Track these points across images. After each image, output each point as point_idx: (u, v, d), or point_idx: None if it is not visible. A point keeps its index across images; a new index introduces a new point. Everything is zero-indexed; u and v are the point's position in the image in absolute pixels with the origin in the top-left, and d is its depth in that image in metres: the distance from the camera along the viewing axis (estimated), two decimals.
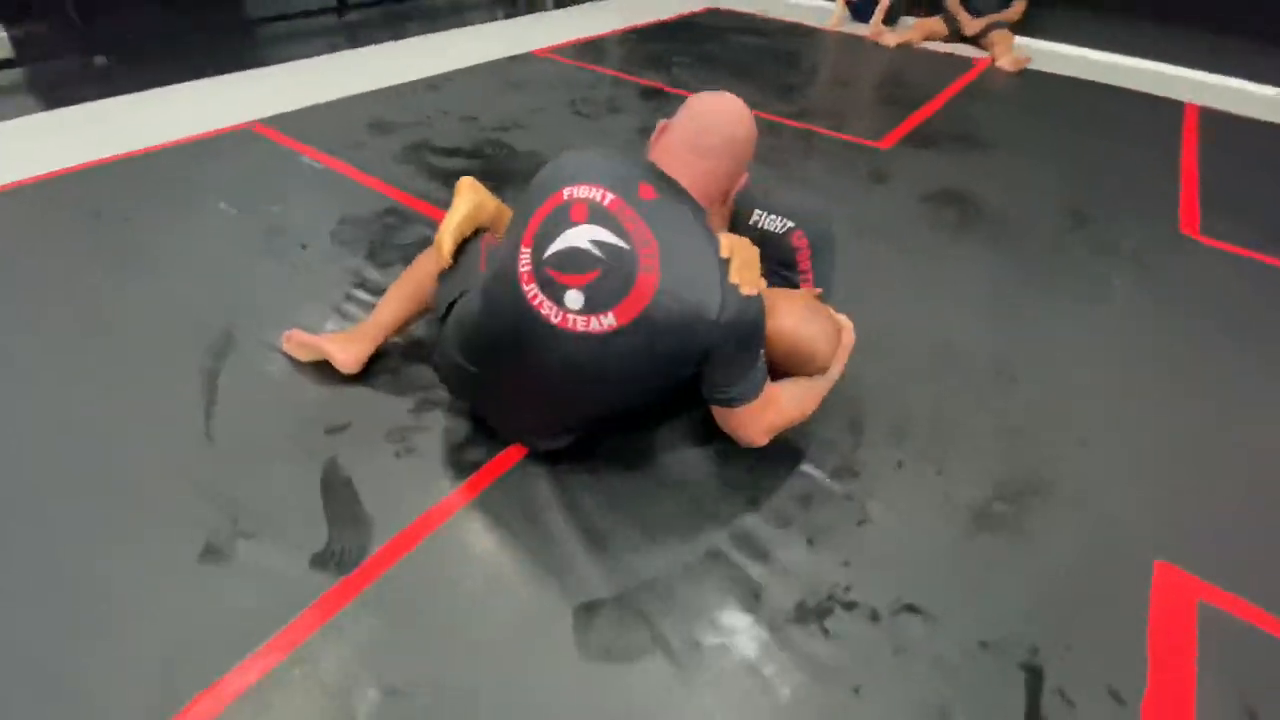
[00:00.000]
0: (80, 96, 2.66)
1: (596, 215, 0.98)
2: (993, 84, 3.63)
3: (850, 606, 1.08)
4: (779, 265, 1.32)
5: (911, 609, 1.08)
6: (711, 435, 1.26)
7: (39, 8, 3.33)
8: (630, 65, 3.50)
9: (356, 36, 3.83)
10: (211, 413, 1.34)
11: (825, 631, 1.04)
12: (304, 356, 1.44)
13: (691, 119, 1.06)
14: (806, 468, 1.32)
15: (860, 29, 4.30)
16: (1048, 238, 2.20)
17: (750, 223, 1.31)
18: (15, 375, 1.40)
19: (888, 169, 2.59)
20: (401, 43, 3.65)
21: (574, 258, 0.98)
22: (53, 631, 0.98)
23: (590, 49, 3.72)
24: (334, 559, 1.09)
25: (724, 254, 1.00)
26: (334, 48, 3.50)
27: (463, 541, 1.15)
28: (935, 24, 4.18)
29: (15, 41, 3.17)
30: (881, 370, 1.52)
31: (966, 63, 3.89)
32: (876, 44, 4.12)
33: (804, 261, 1.33)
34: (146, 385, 1.40)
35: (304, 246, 1.85)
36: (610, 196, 0.98)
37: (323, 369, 1.41)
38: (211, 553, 1.09)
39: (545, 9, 4.71)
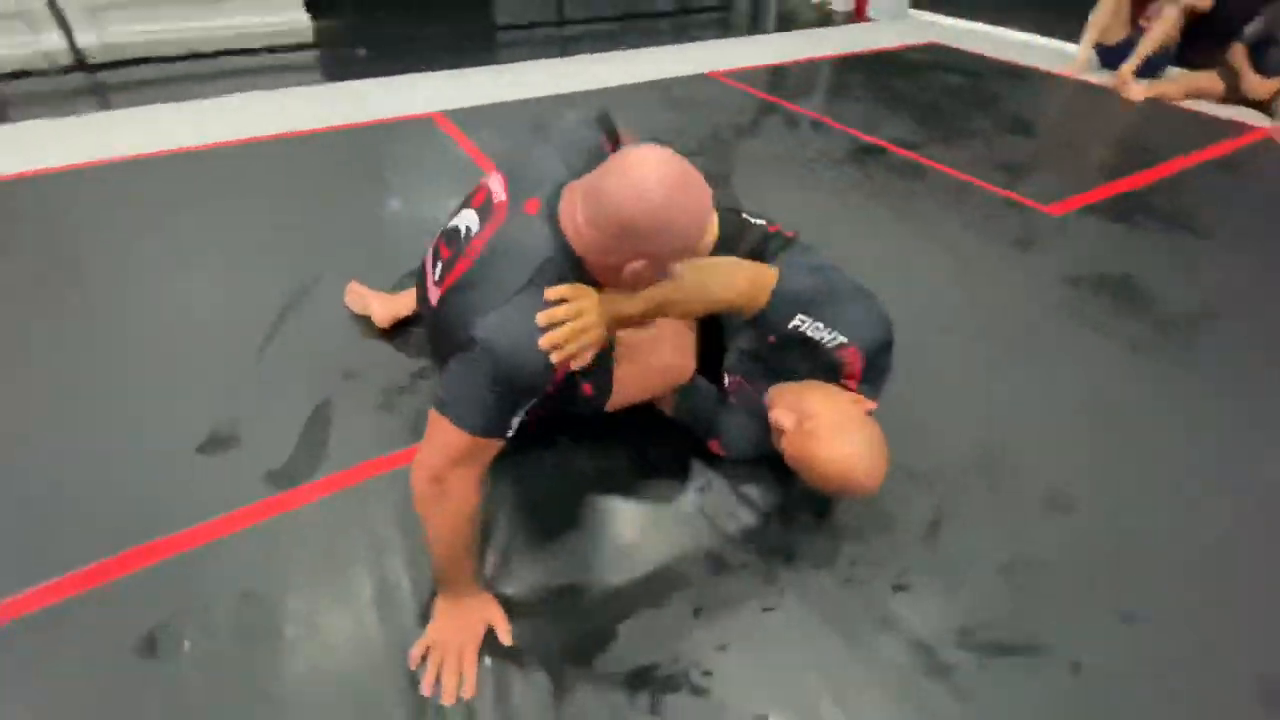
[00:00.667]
0: (345, 76, 3.38)
1: (484, 207, 1.02)
2: (1262, 162, 2.88)
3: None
4: (818, 369, 1.13)
5: None
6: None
7: (331, 6, 4.22)
8: (797, 94, 3.41)
9: (567, 47, 4.23)
10: (272, 334, 1.62)
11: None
12: (355, 308, 1.67)
13: (599, 174, 0.89)
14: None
15: (1106, 78, 3.69)
16: (1244, 366, 1.71)
17: (790, 327, 1.09)
18: (197, 259, 1.83)
19: (1042, 237, 2.21)
20: (596, 56, 3.96)
21: (451, 235, 1.05)
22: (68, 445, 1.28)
23: (768, 74, 3.68)
24: (278, 479, 1.27)
25: (545, 319, 0.87)
26: (544, 55, 3.91)
27: (388, 496, 1.25)
28: (1208, 79, 3.43)
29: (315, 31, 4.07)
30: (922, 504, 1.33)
31: (1233, 129, 3.13)
32: (1119, 95, 3.50)
33: (852, 380, 1.13)
34: (248, 293, 1.75)
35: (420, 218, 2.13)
36: (503, 197, 0.99)
37: (365, 323, 1.63)
38: (212, 440, 1.33)
39: (766, 32, 4.76)
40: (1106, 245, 2.18)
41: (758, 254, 1.30)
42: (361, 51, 3.90)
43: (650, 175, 0.85)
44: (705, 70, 3.65)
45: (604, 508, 1.26)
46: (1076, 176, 2.64)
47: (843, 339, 1.09)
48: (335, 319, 1.68)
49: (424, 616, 1.04)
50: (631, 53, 4.01)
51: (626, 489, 1.29)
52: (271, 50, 3.76)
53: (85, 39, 3.31)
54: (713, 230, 1.29)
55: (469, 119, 2.87)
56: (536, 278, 0.89)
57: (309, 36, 4.15)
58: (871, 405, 1.12)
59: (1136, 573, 1.18)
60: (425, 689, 0.96)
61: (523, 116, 2.92)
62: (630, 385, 1.23)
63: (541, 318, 0.87)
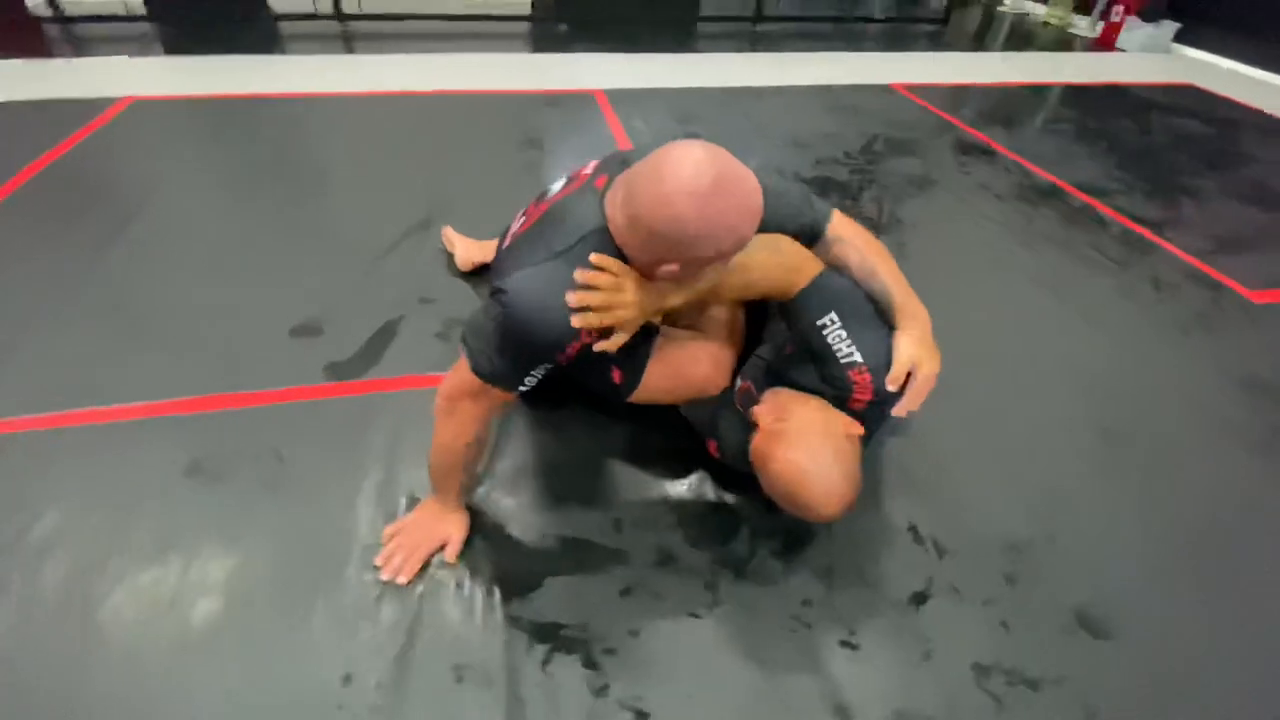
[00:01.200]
0: (544, 48, 3.74)
1: (572, 177, 1.05)
2: None
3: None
4: (825, 387, 1.06)
5: None
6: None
7: None
8: (982, 118, 3.08)
9: (757, 42, 4.20)
10: (383, 255, 1.85)
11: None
12: (449, 247, 1.85)
13: (636, 170, 0.85)
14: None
15: None
16: None
17: (817, 323, 1.04)
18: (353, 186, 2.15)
19: (1226, 324, 1.81)
20: (779, 55, 3.89)
21: (540, 196, 1.10)
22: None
23: (957, 94, 3.37)
24: (335, 370, 1.47)
25: (582, 278, 0.87)
26: (732, 49, 3.93)
27: (415, 409, 1.39)
28: None
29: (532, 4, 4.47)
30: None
31: None
32: None
33: (856, 404, 1.05)
34: (384, 217, 2.00)
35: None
36: (589, 171, 1.02)
37: (453, 261, 1.81)
38: (302, 327, 1.57)
39: (989, 49, 4.37)
40: None
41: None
42: (562, 27, 4.21)
43: (684, 185, 0.79)
44: (889, 81, 3.44)
45: (586, 474, 1.28)
46: None
47: (858, 358, 1.02)
48: (434, 253, 1.88)
49: (410, 507, 1.17)
50: (818, 55, 3.88)
51: (615, 465, 1.30)
52: (489, 18, 4.18)
53: None
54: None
55: (626, 100, 2.99)
56: (579, 246, 0.88)
57: (525, 9, 4.56)
58: (859, 430, 1.03)
59: None
60: (379, 560, 1.08)
61: (676, 105, 2.98)
62: (659, 385, 1.22)
63: (579, 275, 0.86)
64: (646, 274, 0.91)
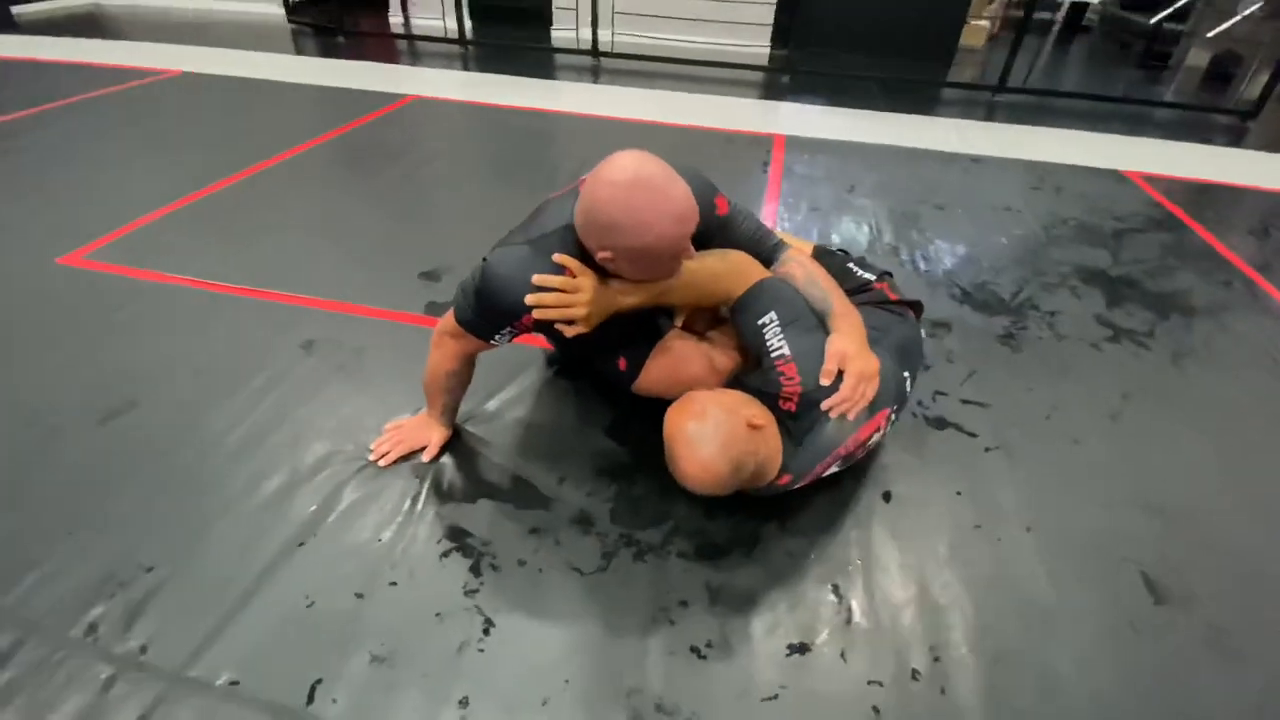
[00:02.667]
0: (765, 95, 3.99)
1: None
2: None
3: None
4: (764, 382, 1.11)
5: None
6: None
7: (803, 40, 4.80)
8: (1225, 226, 2.53)
9: (994, 112, 3.92)
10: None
11: None
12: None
13: (593, 178, 0.98)
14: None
15: None
16: None
17: (758, 322, 1.10)
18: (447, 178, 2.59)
19: None
20: (1006, 125, 3.60)
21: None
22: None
23: (1214, 193, 2.81)
24: (431, 307, 1.80)
25: (538, 281, 1.01)
26: (967, 116, 3.75)
27: (413, 342, 1.65)
28: None
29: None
30: None
31: None
32: None
33: (786, 402, 1.08)
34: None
35: None
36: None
37: None
38: (429, 272, 1.96)
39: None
40: None
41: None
42: (785, 79, 4.39)
43: (608, 177, 0.95)
44: (1124, 168, 3.00)
45: (561, 435, 1.40)
46: None
47: (786, 352, 1.08)
48: None
49: (412, 412, 1.42)
50: (1053, 130, 3.52)
51: (588, 435, 1.40)
52: (727, 65, 4.53)
53: (603, 35, 4.60)
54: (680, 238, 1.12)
55: (802, 146, 3.06)
56: (551, 237, 1.06)
57: (764, 61, 4.84)
58: (763, 423, 1.05)
59: None
60: (373, 444, 1.35)
61: (846, 156, 2.97)
62: (656, 378, 1.33)
63: (537, 279, 1.01)
64: (600, 265, 1.05)
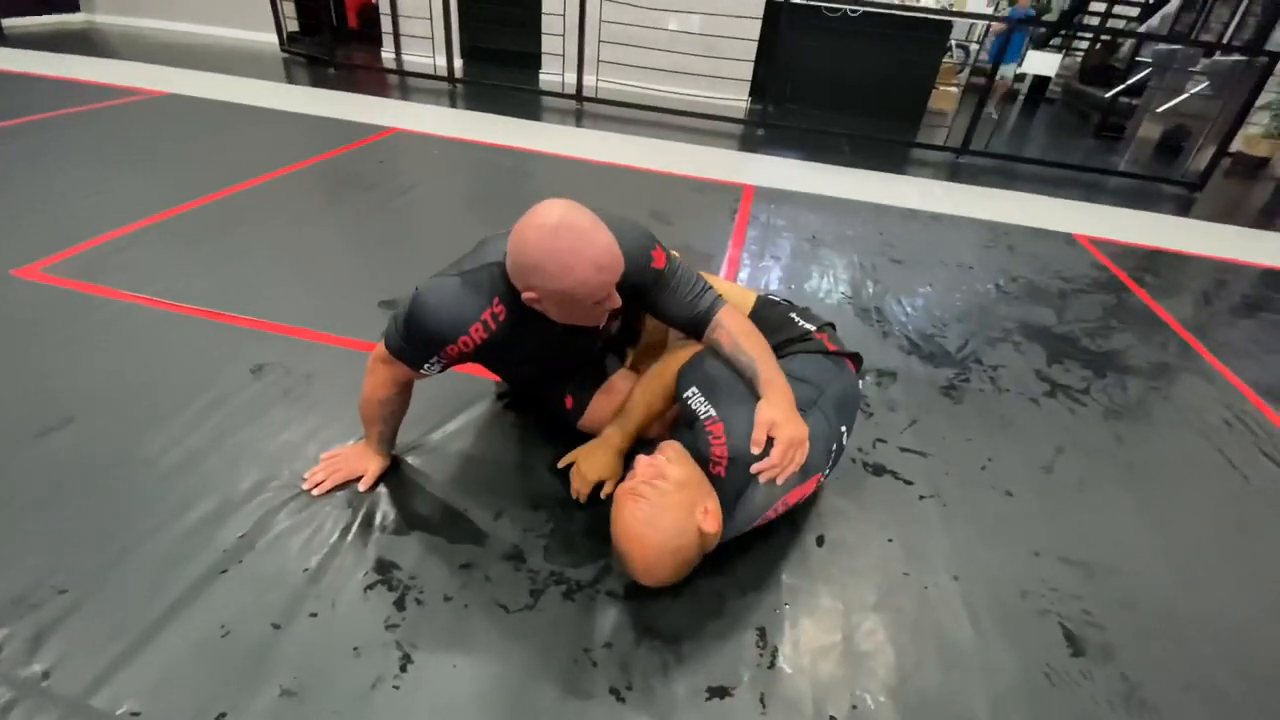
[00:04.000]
0: (734, 146, 4.07)
1: None
2: None
3: None
4: (694, 440, 1.14)
5: None
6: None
7: (779, 95, 4.99)
8: (1165, 291, 2.65)
9: (958, 173, 4.10)
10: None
11: None
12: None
13: (523, 220, 1.02)
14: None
15: None
16: None
17: (684, 395, 1.15)
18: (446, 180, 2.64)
19: None
20: (967, 186, 3.76)
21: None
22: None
23: (1159, 259, 2.94)
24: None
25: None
26: (932, 176, 3.92)
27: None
28: None
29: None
30: None
31: None
32: None
33: (716, 467, 1.10)
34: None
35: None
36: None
37: None
38: (388, 301, 1.97)
39: (1253, 226, 3.77)
40: None
41: (781, 346, 1.33)
42: (760, 131, 4.55)
43: (542, 222, 0.98)
44: (1075, 231, 3.14)
45: (502, 471, 1.40)
46: None
47: (713, 413, 1.10)
48: None
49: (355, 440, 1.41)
50: (1012, 193, 3.68)
51: (529, 472, 1.40)
52: (704, 116, 4.70)
53: (588, 80, 4.75)
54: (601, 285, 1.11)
55: (770, 197, 3.16)
56: (481, 272, 1.09)
57: (741, 114, 5.02)
58: (711, 529, 1.07)
59: None
60: (307, 473, 1.33)
61: (812, 208, 3.07)
62: (600, 416, 1.39)
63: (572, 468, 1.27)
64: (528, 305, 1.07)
